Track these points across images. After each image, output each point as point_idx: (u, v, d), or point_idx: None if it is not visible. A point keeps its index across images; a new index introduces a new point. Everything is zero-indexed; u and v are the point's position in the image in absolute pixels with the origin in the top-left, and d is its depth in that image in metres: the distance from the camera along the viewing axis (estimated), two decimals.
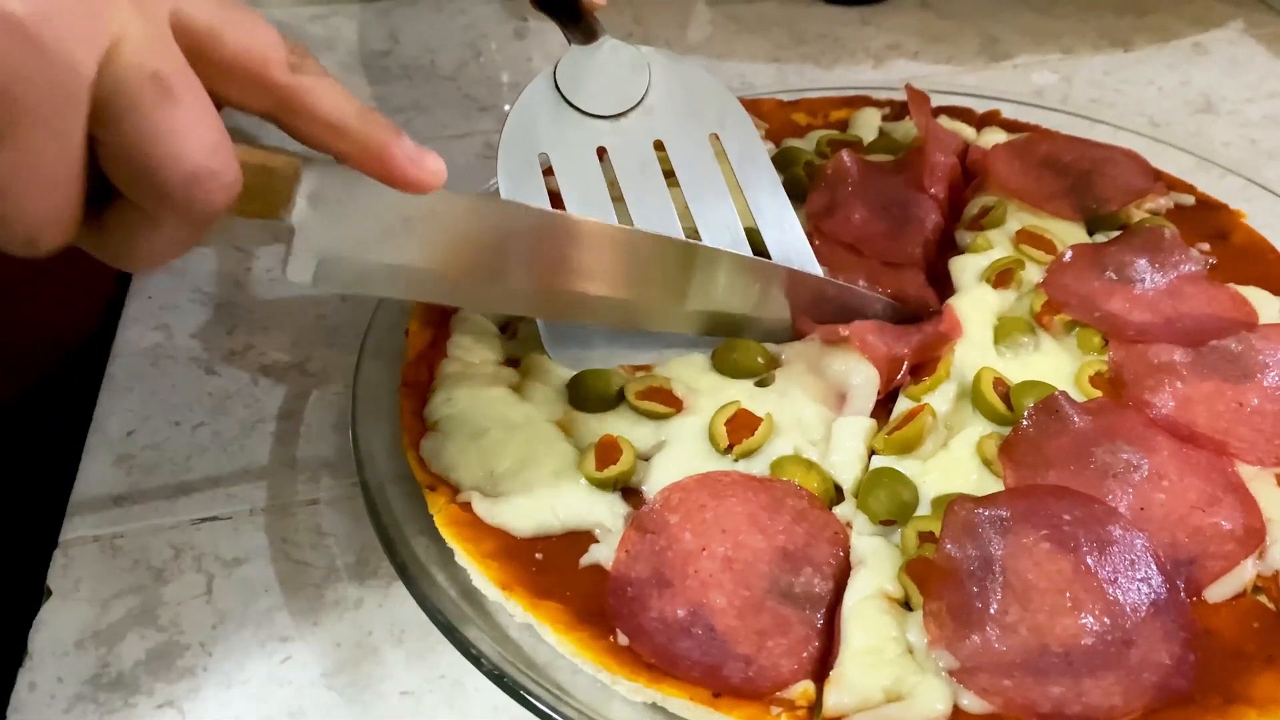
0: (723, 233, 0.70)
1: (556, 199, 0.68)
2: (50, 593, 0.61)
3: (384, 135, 0.49)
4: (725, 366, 0.66)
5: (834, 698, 0.49)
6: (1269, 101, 1.02)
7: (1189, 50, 1.11)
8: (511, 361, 0.69)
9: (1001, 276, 0.71)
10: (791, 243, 0.71)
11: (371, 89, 1.07)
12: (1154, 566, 0.53)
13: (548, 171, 0.69)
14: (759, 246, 0.71)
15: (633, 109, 0.71)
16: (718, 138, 0.72)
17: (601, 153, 0.70)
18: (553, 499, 0.59)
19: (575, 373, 0.66)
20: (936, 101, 0.91)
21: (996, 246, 0.74)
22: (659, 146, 0.71)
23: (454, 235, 0.57)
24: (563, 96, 0.70)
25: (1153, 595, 0.52)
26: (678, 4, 1.21)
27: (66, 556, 0.63)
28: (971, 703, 0.49)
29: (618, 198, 0.69)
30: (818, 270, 0.71)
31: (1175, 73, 1.07)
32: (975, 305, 0.69)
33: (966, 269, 0.72)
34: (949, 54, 1.11)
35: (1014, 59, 1.10)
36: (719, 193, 0.71)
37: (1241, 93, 1.03)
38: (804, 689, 0.50)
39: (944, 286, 0.73)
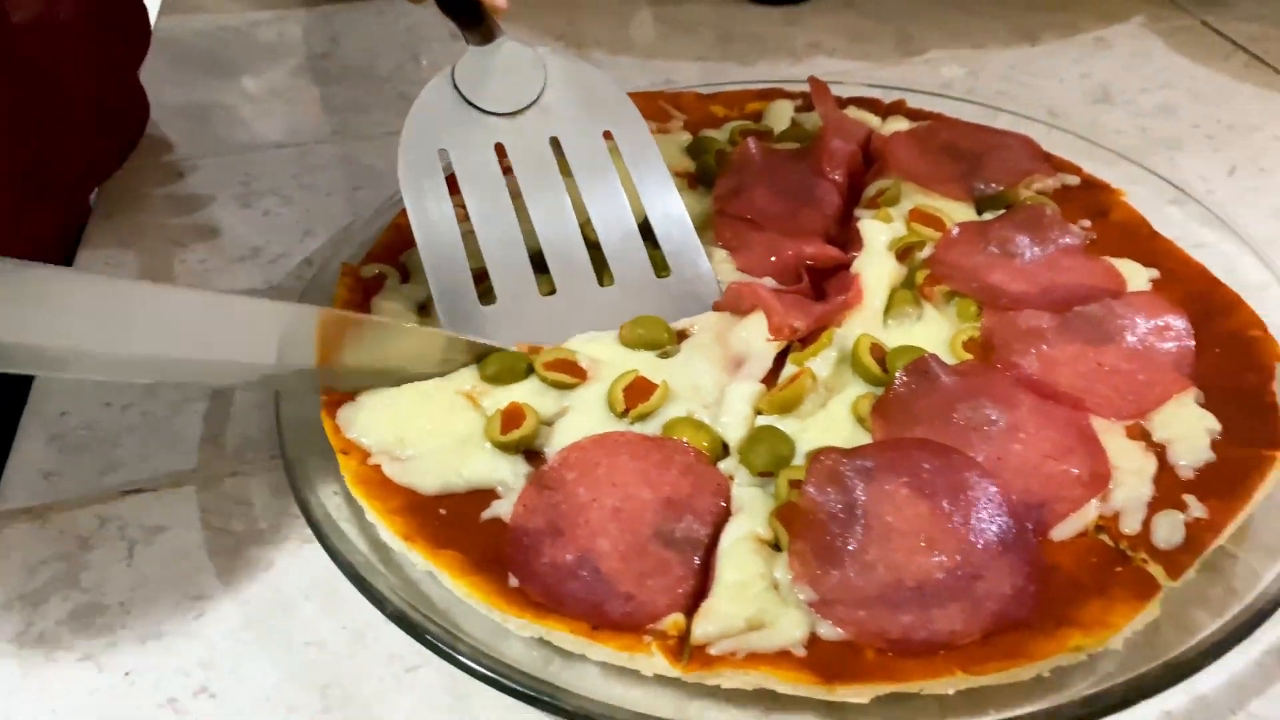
0: (615, 226, 0.75)
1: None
2: None
3: None
4: (630, 340, 0.71)
5: (700, 627, 0.54)
6: (1162, 92, 1.07)
7: (1092, 44, 1.17)
8: None
9: (904, 252, 0.76)
10: (681, 236, 0.76)
11: (316, 89, 1.12)
12: (1004, 509, 0.58)
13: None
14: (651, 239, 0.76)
15: (529, 107, 0.76)
16: (611, 135, 0.77)
17: (500, 150, 0.75)
18: (458, 461, 0.63)
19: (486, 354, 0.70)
20: (850, 93, 0.96)
21: (897, 220, 0.79)
22: (555, 143, 0.76)
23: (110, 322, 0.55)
24: (462, 95, 0.74)
25: (1001, 534, 0.57)
26: (611, 7, 1.26)
27: None
28: (828, 631, 0.54)
29: (516, 193, 0.74)
30: (704, 260, 0.76)
31: (1077, 66, 1.13)
32: (879, 274, 0.74)
33: (877, 233, 0.76)
34: (865, 51, 1.17)
35: (926, 54, 1.16)
36: (612, 188, 0.75)
37: (1138, 84, 1.09)
38: (674, 620, 0.54)
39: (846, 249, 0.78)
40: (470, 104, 0.75)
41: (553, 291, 0.74)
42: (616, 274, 0.75)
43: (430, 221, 0.72)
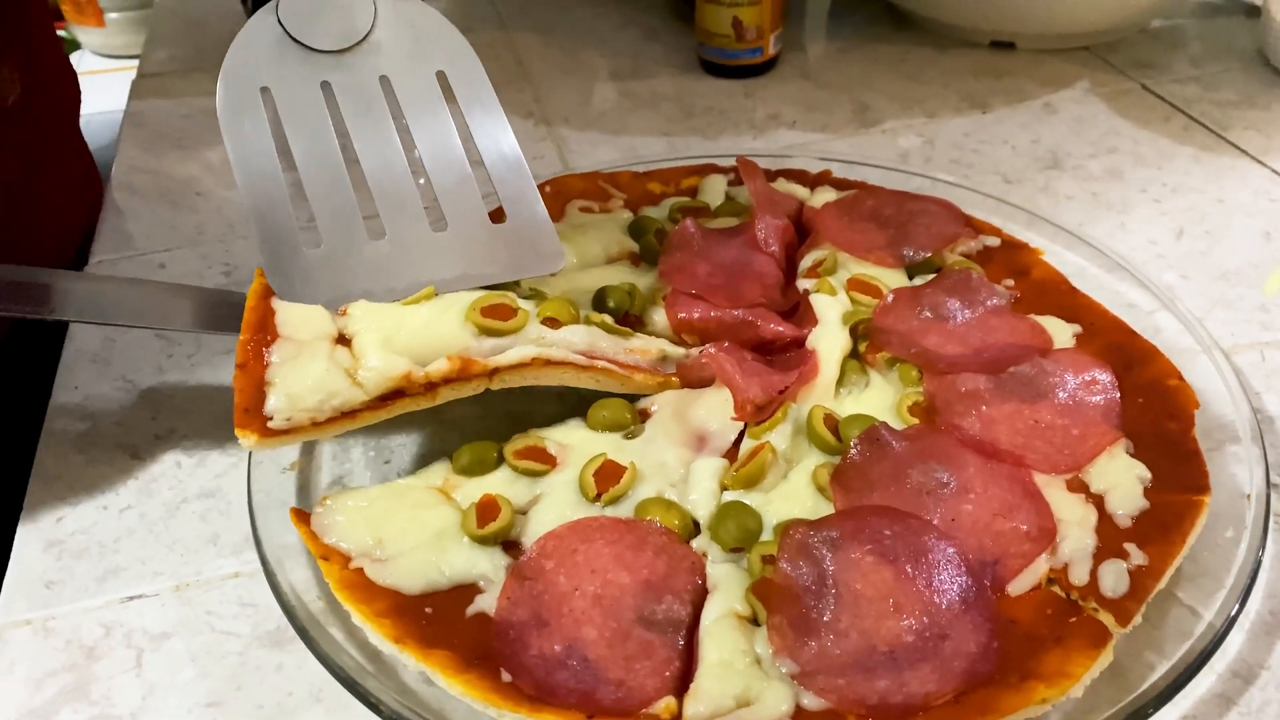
0: (447, 169, 0.69)
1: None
2: None
3: None
4: (596, 423, 0.68)
5: (691, 708, 0.51)
6: (1109, 157, 1.05)
7: (1040, 110, 1.14)
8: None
9: (855, 325, 0.74)
10: (515, 178, 0.70)
11: None
12: (963, 569, 0.56)
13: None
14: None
15: (358, 44, 0.68)
16: (445, 76, 0.70)
17: (327, 88, 0.68)
18: (438, 558, 0.60)
19: (459, 446, 0.66)
20: (817, 166, 0.94)
21: (839, 290, 0.77)
22: (385, 82, 0.69)
23: None
24: (286, 31, 0.67)
25: (962, 594, 0.55)
26: (575, 83, 1.23)
27: (0, 641, 0.62)
28: (811, 701, 0.51)
29: (343, 134, 0.68)
30: (540, 204, 0.70)
31: (1027, 132, 1.09)
32: (832, 347, 0.71)
33: (829, 307, 0.74)
34: (824, 122, 1.13)
35: (883, 124, 1.12)
36: (444, 129, 0.69)
37: (1084, 149, 1.06)
38: (666, 703, 0.52)
39: (795, 323, 0.75)
40: (295, 40, 0.67)
41: (383, 236, 0.67)
42: (449, 218, 0.68)
43: (251, 162, 0.65)
